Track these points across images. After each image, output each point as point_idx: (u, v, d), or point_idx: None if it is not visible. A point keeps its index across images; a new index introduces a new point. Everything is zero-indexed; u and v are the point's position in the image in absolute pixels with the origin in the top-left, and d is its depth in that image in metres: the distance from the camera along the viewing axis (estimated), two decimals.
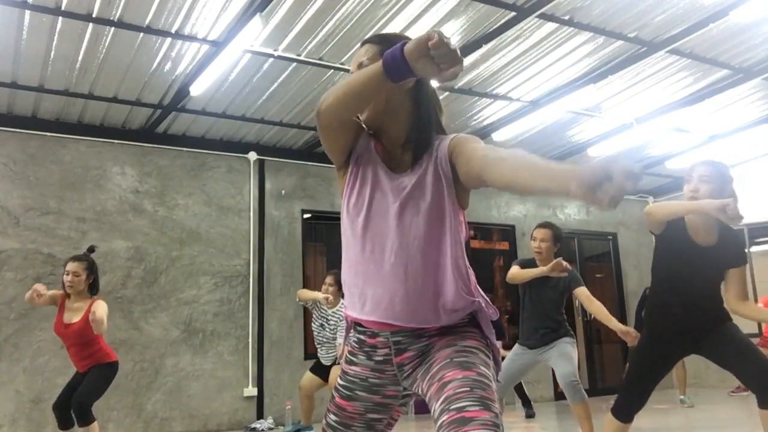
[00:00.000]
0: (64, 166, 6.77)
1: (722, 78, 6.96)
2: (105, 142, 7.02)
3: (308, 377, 6.04)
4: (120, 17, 5.07)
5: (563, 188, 1.19)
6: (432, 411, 1.46)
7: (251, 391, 7.24)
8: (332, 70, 6.09)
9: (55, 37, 5.27)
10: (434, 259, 1.58)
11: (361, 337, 1.70)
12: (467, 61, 5.98)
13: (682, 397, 7.47)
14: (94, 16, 5.01)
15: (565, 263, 4.10)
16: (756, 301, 8.63)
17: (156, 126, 7.08)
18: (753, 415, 6.02)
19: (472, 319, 1.65)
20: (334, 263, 7.51)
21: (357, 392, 1.70)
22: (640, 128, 7.96)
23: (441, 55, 1.29)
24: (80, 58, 5.60)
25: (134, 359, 6.73)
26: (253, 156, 7.73)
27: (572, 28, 5.70)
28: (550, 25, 5.62)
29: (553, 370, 4.66)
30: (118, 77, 5.99)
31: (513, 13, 5.34)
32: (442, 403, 1.41)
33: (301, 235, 7.94)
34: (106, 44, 5.42)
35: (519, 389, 7.52)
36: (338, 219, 1.75)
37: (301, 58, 5.82)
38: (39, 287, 4.28)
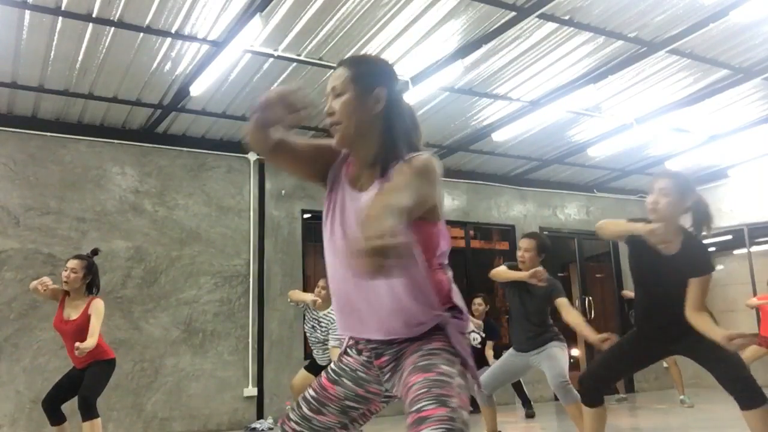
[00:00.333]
0: (64, 166, 6.77)
1: (722, 78, 6.96)
2: (105, 142, 7.02)
3: (301, 376, 6.02)
4: (120, 17, 5.07)
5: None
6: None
7: (251, 391, 7.24)
8: (332, 70, 6.07)
9: (55, 37, 5.27)
10: (391, 283, 1.60)
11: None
12: (467, 60, 5.98)
13: (682, 397, 7.47)
14: (94, 16, 5.01)
15: (544, 275, 4.28)
16: (755, 296, 8.67)
17: (156, 126, 7.08)
18: None
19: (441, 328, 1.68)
20: None
21: (344, 379, 1.79)
22: (640, 128, 7.96)
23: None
24: (80, 58, 5.61)
25: (134, 359, 6.73)
26: (253, 156, 7.73)
27: (572, 28, 5.70)
28: (550, 25, 5.62)
29: None
30: (118, 77, 5.99)
31: (513, 13, 5.34)
32: (407, 407, 1.51)
33: (301, 235, 7.94)
34: (106, 44, 5.42)
35: (519, 389, 7.52)
36: None
37: (301, 58, 5.82)
38: (46, 279, 4.51)
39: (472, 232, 9.50)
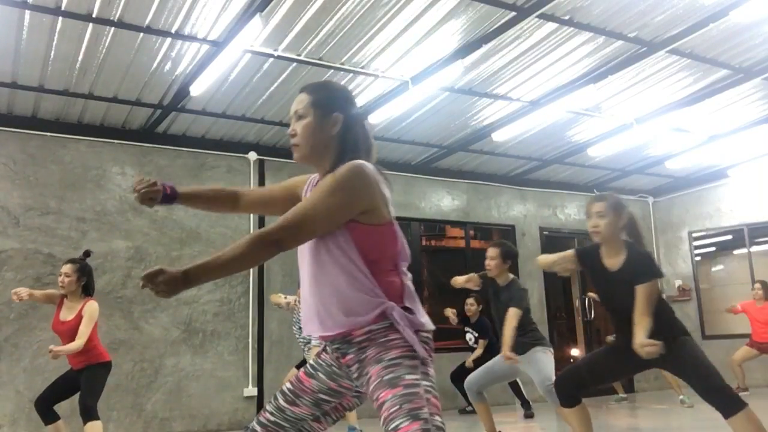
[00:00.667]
0: (64, 166, 6.77)
1: (722, 78, 6.96)
2: (105, 142, 7.01)
3: (292, 374, 6.06)
4: (120, 17, 5.07)
5: None
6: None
7: (251, 391, 7.24)
8: (332, 70, 6.09)
9: (55, 37, 5.26)
10: (331, 279, 1.80)
11: None
12: (467, 60, 5.98)
13: (681, 397, 7.47)
14: (94, 16, 5.01)
15: (477, 280, 4.81)
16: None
17: (156, 126, 7.08)
18: None
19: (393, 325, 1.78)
20: None
21: (319, 373, 1.94)
22: (640, 128, 7.96)
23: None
24: (80, 58, 5.60)
25: (134, 359, 6.73)
26: (253, 156, 7.73)
27: (572, 28, 5.70)
28: (550, 25, 5.62)
29: None
30: (118, 77, 5.99)
31: (513, 13, 5.34)
32: (382, 424, 1.66)
33: None
34: (106, 44, 5.42)
35: (516, 391, 7.54)
36: None
37: (301, 58, 5.82)
38: (21, 291, 4.51)
39: (472, 232, 9.50)
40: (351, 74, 6.21)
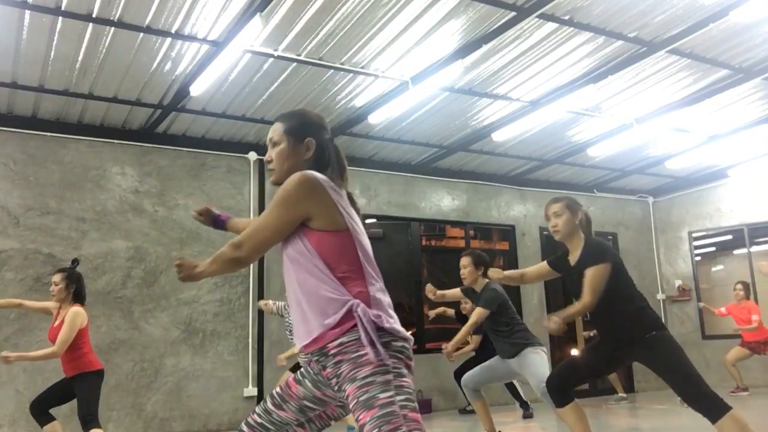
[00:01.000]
0: (64, 166, 6.77)
1: (722, 78, 6.96)
2: (105, 142, 7.01)
3: (285, 377, 6.09)
4: (120, 17, 5.07)
5: None
6: None
7: (251, 391, 7.24)
8: (332, 70, 6.09)
9: (55, 37, 5.26)
10: (304, 283, 1.90)
11: None
12: (467, 60, 5.98)
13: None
14: (94, 16, 5.01)
15: (431, 292, 5.00)
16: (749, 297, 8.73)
17: (156, 126, 7.08)
18: (752, 416, 6.03)
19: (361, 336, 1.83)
20: None
21: (306, 381, 2.02)
22: (640, 128, 7.96)
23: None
24: (80, 58, 5.60)
25: (134, 359, 6.73)
26: (253, 156, 7.73)
27: (572, 28, 5.70)
28: (550, 25, 5.62)
29: None
30: (118, 77, 5.99)
31: (513, 13, 5.34)
32: None
33: None
34: (106, 44, 5.42)
35: (513, 392, 7.54)
36: None
37: (301, 58, 5.82)
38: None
39: (472, 232, 9.50)
40: (351, 74, 6.21)
